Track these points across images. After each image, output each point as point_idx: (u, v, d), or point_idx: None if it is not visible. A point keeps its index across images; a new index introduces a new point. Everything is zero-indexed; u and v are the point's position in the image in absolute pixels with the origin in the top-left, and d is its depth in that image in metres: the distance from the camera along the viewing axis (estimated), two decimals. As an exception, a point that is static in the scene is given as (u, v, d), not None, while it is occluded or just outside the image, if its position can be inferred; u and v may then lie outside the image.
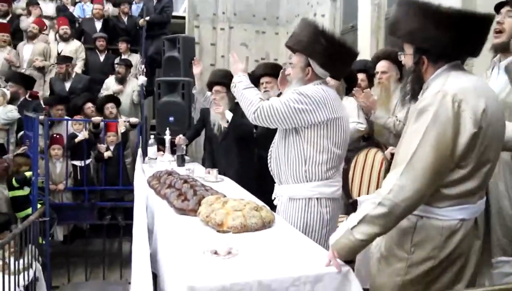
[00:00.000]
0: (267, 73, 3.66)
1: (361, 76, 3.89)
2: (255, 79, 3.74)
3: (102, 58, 6.77)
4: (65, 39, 6.62)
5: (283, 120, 2.20)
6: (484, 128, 1.52)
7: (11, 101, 5.58)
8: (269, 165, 2.46)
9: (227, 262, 1.61)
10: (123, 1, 7.22)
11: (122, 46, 6.74)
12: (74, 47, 6.62)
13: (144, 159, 4.24)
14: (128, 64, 6.35)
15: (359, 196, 3.21)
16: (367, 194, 3.20)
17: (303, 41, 2.28)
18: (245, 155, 3.61)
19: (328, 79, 2.43)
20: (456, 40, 1.56)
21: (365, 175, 3.29)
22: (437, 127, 1.50)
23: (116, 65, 6.38)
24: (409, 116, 1.63)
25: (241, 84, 2.32)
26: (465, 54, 1.67)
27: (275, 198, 2.49)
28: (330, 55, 2.26)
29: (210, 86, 3.84)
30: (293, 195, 2.30)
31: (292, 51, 2.42)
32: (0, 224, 4.15)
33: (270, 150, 2.46)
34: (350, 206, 3.02)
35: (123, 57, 6.63)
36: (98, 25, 7.06)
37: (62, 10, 7.25)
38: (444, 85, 1.55)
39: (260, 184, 3.08)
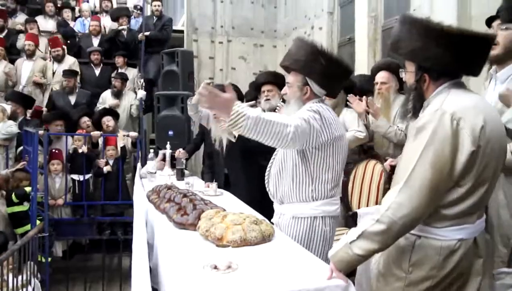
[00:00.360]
0: (269, 81, 3.66)
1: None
2: (256, 87, 3.76)
3: (97, 72, 6.79)
4: (58, 60, 6.65)
5: (311, 139, 2.13)
6: (483, 146, 1.52)
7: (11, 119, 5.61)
8: (267, 185, 2.44)
9: (227, 276, 1.60)
10: (122, 15, 7.27)
11: (120, 60, 6.77)
12: (67, 65, 6.63)
13: (141, 171, 4.23)
14: (124, 78, 6.37)
15: (358, 208, 3.20)
16: (367, 205, 3.19)
17: (301, 61, 2.25)
18: (251, 168, 3.56)
19: (324, 97, 2.43)
20: (457, 59, 1.57)
21: (365, 186, 3.28)
22: (435, 145, 1.50)
23: (112, 79, 6.40)
24: (408, 134, 1.65)
25: (254, 111, 1.94)
26: (466, 73, 1.67)
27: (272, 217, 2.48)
28: (328, 74, 2.26)
29: None
30: (298, 213, 2.29)
31: (286, 71, 2.40)
32: None
33: (268, 169, 2.44)
34: (350, 218, 3.01)
35: (120, 71, 6.66)
36: (96, 41, 7.12)
37: (62, 26, 7.30)
38: (443, 103, 1.55)
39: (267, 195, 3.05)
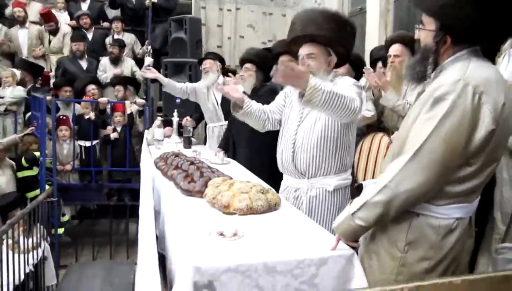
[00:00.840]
0: (287, 51, 3.58)
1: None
2: (273, 57, 3.70)
3: (90, 36, 6.65)
4: (53, 33, 6.54)
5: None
6: (501, 125, 1.43)
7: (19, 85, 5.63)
8: (290, 159, 2.38)
9: (233, 243, 1.63)
10: None
11: (118, 25, 6.63)
12: (61, 35, 6.55)
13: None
14: (121, 45, 6.28)
15: (364, 180, 3.21)
16: (373, 178, 3.20)
17: (331, 31, 2.21)
18: (256, 140, 3.54)
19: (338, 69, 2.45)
20: (489, 22, 1.44)
21: (371, 159, 3.28)
22: (453, 118, 1.40)
23: (108, 46, 6.32)
24: (422, 102, 1.51)
25: (327, 85, 1.99)
26: (491, 40, 1.54)
27: (285, 189, 2.48)
28: (350, 43, 2.33)
29: (241, 63, 3.76)
30: (336, 185, 2.34)
31: (309, 40, 2.32)
32: (9, 203, 4.21)
33: (288, 144, 2.39)
34: (355, 190, 3.01)
35: (116, 37, 6.55)
36: (84, 6, 6.99)
37: None
38: (466, 73, 1.43)
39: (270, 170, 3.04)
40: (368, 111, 3.39)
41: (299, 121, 2.38)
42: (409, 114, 1.61)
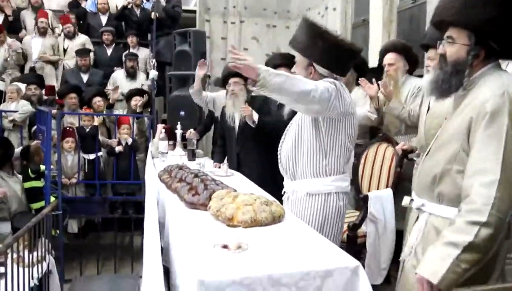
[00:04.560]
0: (284, 64, 3.61)
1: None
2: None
3: (109, 52, 6.80)
4: (69, 36, 6.68)
5: (328, 106, 2.15)
6: None
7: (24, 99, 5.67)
8: (279, 160, 2.46)
9: (237, 256, 1.62)
10: None
11: (133, 39, 6.74)
12: (79, 43, 6.66)
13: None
14: (136, 59, 6.37)
15: (369, 190, 3.20)
16: (377, 188, 3.19)
17: (301, 43, 2.29)
18: (262, 148, 3.52)
19: (339, 77, 2.43)
20: None
21: (375, 170, 3.27)
22: None
23: (124, 59, 6.39)
24: (466, 117, 1.53)
25: (280, 71, 2.09)
26: None
27: (284, 194, 2.49)
28: (330, 56, 2.26)
29: (226, 78, 3.74)
30: (313, 190, 2.32)
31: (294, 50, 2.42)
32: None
33: (280, 145, 2.46)
34: (361, 201, 3.01)
35: (131, 51, 6.64)
36: (104, 19, 7.12)
37: (74, 6, 7.29)
38: (504, 85, 1.49)
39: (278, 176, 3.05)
40: (371, 113, 3.41)
41: (290, 124, 2.46)
42: (450, 124, 1.63)
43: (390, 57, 3.44)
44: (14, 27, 6.92)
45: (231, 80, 3.67)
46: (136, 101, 5.60)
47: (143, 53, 6.81)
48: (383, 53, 3.54)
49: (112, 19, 7.18)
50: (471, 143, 1.51)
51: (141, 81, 6.35)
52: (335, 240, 2.31)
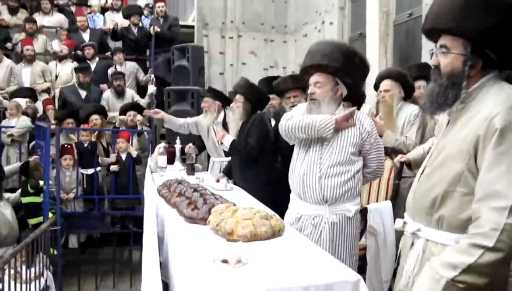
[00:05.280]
0: (294, 87, 3.66)
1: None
2: (280, 93, 3.80)
3: (93, 66, 6.76)
4: (59, 58, 6.71)
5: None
6: None
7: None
8: (307, 187, 2.40)
9: (237, 271, 1.61)
10: (134, 12, 7.29)
11: (120, 56, 6.74)
12: (70, 68, 6.68)
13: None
14: (123, 77, 6.39)
15: (368, 203, 3.20)
16: (376, 201, 3.19)
17: (338, 61, 2.32)
18: (248, 175, 3.52)
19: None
20: None
21: (374, 182, 3.27)
22: None
23: (111, 78, 6.42)
24: (478, 137, 1.40)
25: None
26: None
27: (314, 220, 2.43)
28: (359, 75, 2.43)
29: (233, 95, 3.92)
30: (356, 210, 2.44)
31: (315, 69, 2.42)
32: None
33: (307, 173, 2.41)
34: (360, 214, 3.00)
35: (118, 68, 6.65)
36: (86, 36, 7.14)
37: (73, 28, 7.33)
38: (509, 97, 1.39)
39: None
40: None
41: (321, 146, 2.41)
42: (448, 142, 1.53)
43: (385, 84, 3.48)
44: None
45: (235, 97, 3.75)
46: (131, 116, 5.63)
47: (130, 66, 6.82)
48: (378, 80, 3.59)
49: (94, 34, 7.20)
50: (480, 163, 1.39)
51: (130, 97, 6.34)
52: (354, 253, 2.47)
